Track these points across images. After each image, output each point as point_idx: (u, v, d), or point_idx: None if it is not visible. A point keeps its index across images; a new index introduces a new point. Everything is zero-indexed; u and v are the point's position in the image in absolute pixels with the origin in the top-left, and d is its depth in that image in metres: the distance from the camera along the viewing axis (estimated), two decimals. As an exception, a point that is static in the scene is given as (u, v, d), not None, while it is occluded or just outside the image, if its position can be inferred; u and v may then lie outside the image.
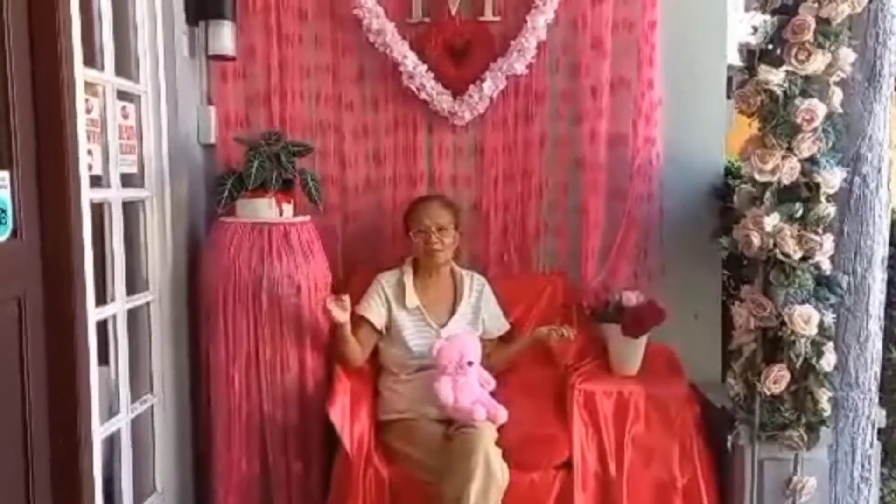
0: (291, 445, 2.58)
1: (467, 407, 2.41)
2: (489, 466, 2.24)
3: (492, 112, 2.96)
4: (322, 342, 2.63)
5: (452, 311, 2.70)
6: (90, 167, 2.09)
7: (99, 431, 2.07)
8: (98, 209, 2.19)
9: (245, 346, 2.54)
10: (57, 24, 1.84)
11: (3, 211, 1.75)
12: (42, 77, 1.84)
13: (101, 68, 2.22)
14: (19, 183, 1.78)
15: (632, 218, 2.92)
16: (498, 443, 2.33)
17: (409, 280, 2.69)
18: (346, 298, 2.53)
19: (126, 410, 2.35)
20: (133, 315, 2.42)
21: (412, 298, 2.66)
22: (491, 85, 2.89)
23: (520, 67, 2.88)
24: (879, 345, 2.56)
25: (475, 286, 2.77)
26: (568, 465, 2.45)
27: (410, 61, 2.88)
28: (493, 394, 2.54)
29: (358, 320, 2.62)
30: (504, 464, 2.29)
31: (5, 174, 1.76)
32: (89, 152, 2.09)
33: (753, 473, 2.42)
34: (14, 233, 1.78)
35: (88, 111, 2.11)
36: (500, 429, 2.40)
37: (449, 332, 2.62)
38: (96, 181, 2.18)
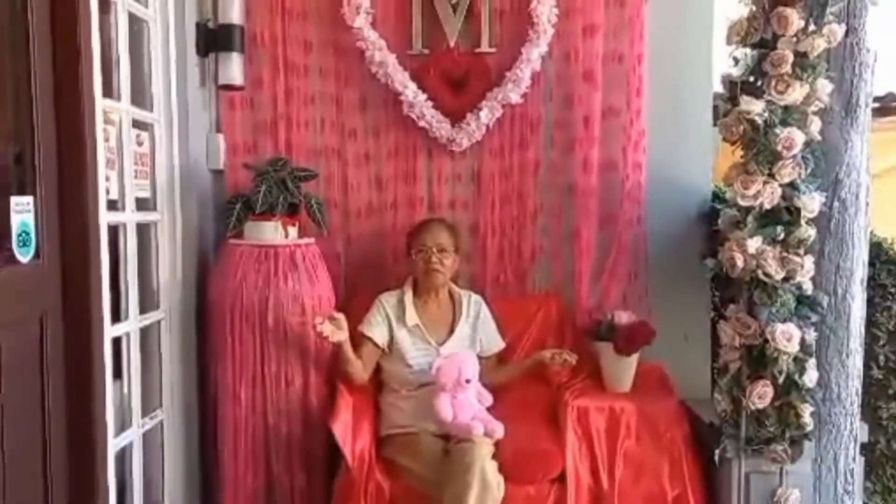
0: (295, 459, 2.67)
1: (465, 422, 2.49)
2: (486, 479, 2.32)
3: (488, 139, 3.07)
4: (325, 360, 2.72)
5: (451, 330, 2.79)
6: (107, 191, 2.20)
7: (113, 444, 2.16)
8: (113, 231, 2.30)
9: (251, 364, 2.63)
10: (80, 60, 1.96)
11: (27, 234, 1.86)
12: (65, 109, 1.96)
13: (118, 98, 2.34)
14: (42, 207, 1.89)
15: (622, 241, 3.02)
16: (494, 457, 2.41)
17: (409, 299, 2.78)
18: (340, 316, 2.59)
19: (137, 425, 2.44)
20: (144, 333, 2.51)
21: (412, 317, 2.75)
22: (487, 113, 3.00)
23: (515, 97, 3.00)
24: (860, 362, 2.65)
25: (473, 306, 2.86)
26: (562, 479, 2.51)
27: (411, 91, 3.00)
28: (490, 410, 2.62)
29: (360, 338, 2.71)
30: (500, 477, 2.37)
31: (29, 199, 1.86)
32: (106, 178, 2.20)
33: (740, 486, 2.50)
34: (36, 254, 1.88)
35: (106, 139, 2.22)
36: (497, 443, 2.47)
37: (448, 351, 2.70)
38: (112, 205, 2.29)
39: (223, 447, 2.67)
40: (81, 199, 1.99)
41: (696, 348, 3.07)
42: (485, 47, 3.04)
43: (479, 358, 2.74)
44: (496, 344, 2.88)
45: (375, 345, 2.73)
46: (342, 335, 2.59)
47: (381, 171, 3.11)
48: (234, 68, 2.89)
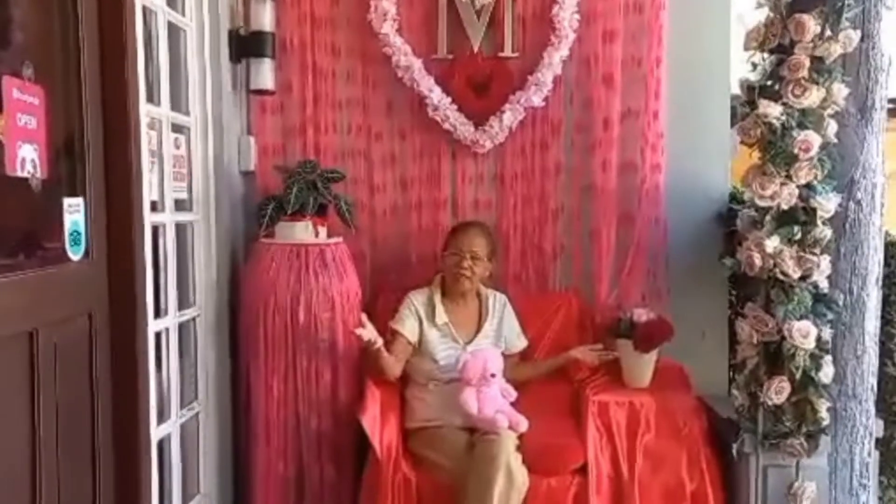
0: (325, 450, 2.76)
1: (490, 416, 2.57)
2: (511, 471, 2.40)
3: (511, 141, 3.15)
4: (353, 355, 2.80)
5: (478, 329, 2.87)
6: (149, 193, 2.29)
7: (155, 433, 2.26)
8: (154, 231, 2.38)
9: (283, 358, 2.73)
10: (126, 67, 2.05)
11: (78, 233, 1.94)
12: (112, 115, 2.04)
13: (159, 104, 2.43)
14: (91, 208, 1.98)
15: (641, 241, 3.10)
16: (519, 449, 2.49)
17: (438, 298, 2.86)
18: (366, 321, 2.67)
19: (175, 416, 2.53)
20: (182, 328, 2.61)
21: (441, 315, 2.83)
22: (510, 116, 3.08)
23: (537, 100, 3.08)
24: (875, 359, 2.70)
25: (498, 305, 2.94)
26: (583, 471, 2.59)
27: (435, 94, 3.08)
28: (514, 404, 2.70)
29: (393, 334, 2.80)
30: (524, 469, 2.46)
31: (80, 200, 1.95)
32: (148, 180, 2.29)
33: (757, 479, 2.56)
34: (86, 253, 1.97)
35: (147, 143, 2.31)
36: (521, 437, 2.55)
37: (474, 347, 2.79)
38: (153, 206, 2.38)
39: (256, 439, 2.77)
40: (127, 201, 2.07)
41: (714, 345, 3.13)
42: (508, 52, 3.12)
43: (503, 356, 2.81)
44: (519, 343, 2.96)
45: (407, 341, 2.80)
46: (380, 339, 2.68)
47: (407, 173, 3.20)
48: (265, 74, 2.99)
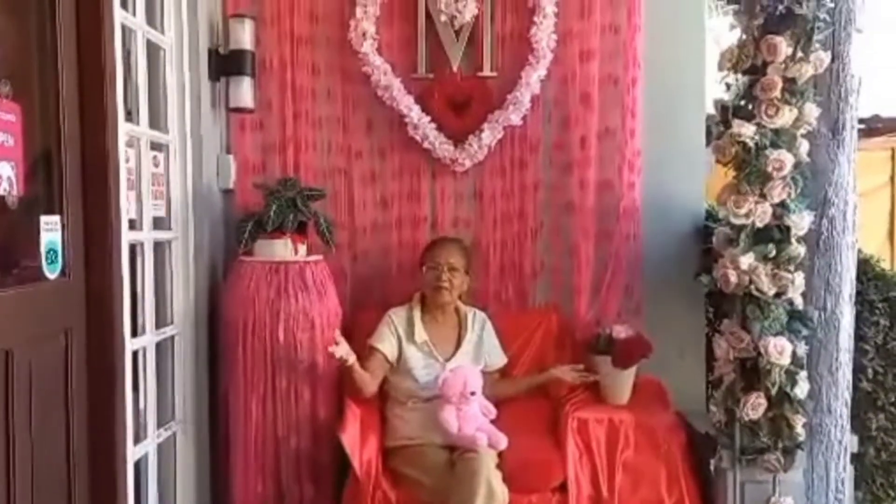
0: (304, 470, 2.74)
1: (470, 434, 2.57)
2: (491, 489, 2.40)
3: (490, 160, 3.17)
4: (333, 374, 2.79)
5: (457, 346, 2.88)
6: (127, 211, 2.29)
7: (132, 453, 2.24)
8: (132, 249, 2.37)
9: (262, 377, 2.71)
10: (105, 86, 2.05)
11: (55, 251, 1.94)
12: (90, 134, 2.05)
13: (137, 122, 2.43)
14: (68, 226, 1.97)
15: (619, 258, 3.12)
16: (499, 467, 2.49)
17: (417, 316, 2.87)
18: (342, 339, 2.67)
19: (153, 436, 2.51)
20: (159, 347, 2.59)
21: (420, 334, 2.84)
22: (489, 135, 3.11)
23: (515, 119, 3.11)
24: (850, 375, 2.75)
25: (477, 322, 2.95)
26: (563, 488, 2.60)
27: (415, 113, 3.10)
28: (493, 422, 2.70)
29: (371, 351, 2.80)
30: (504, 486, 2.45)
31: (57, 218, 1.94)
32: (126, 198, 2.28)
33: (735, 494, 2.58)
34: (63, 271, 1.96)
35: (126, 160, 2.30)
36: (501, 454, 2.55)
37: (453, 366, 2.78)
38: (131, 224, 2.37)
39: (234, 458, 2.74)
40: (105, 219, 2.07)
41: (692, 362, 3.15)
42: (486, 71, 3.15)
43: (483, 373, 2.81)
44: (499, 360, 2.97)
45: (385, 358, 2.80)
46: (353, 356, 2.68)
47: (386, 191, 3.21)
48: (244, 92, 2.99)
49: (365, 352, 2.78)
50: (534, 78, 3.08)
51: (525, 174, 3.18)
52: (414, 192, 3.21)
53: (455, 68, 3.14)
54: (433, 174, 3.21)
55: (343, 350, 2.64)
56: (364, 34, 3.06)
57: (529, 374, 3.03)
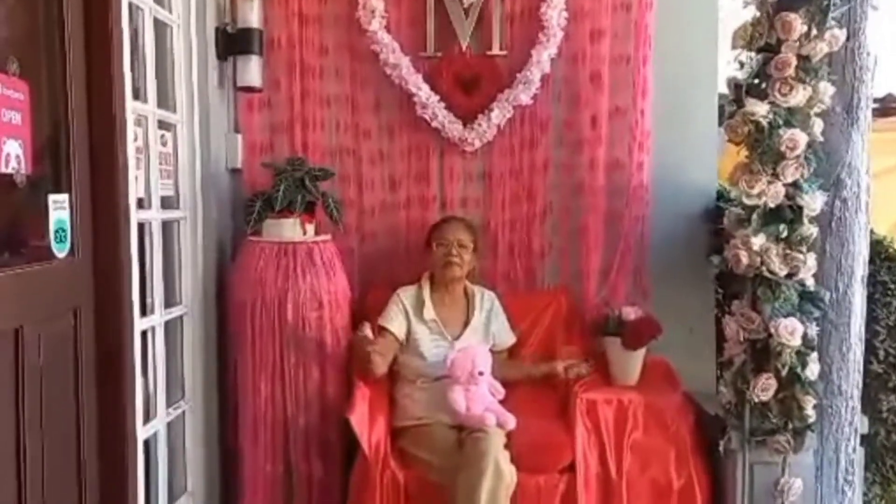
0: (313, 449, 2.75)
1: (479, 414, 2.57)
2: (499, 469, 2.40)
3: (499, 139, 3.15)
4: (341, 353, 2.80)
5: (466, 325, 2.88)
6: (135, 190, 2.28)
7: (141, 433, 2.25)
8: (140, 229, 2.36)
9: (270, 356, 2.72)
10: (112, 64, 2.04)
11: (63, 230, 1.93)
12: (97, 112, 2.03)
13: (145, 101, 2.42)
14: (77, 205, 1.97)
15: (629, 238, 3.11)
16: (507, 447, 2.49)
17: (426, 294, 2.87)
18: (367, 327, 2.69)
19: (162, 415, 2.52)
20: (168, 327, 2.59)
21: (430, 312, 2.84)
22: (498, 114, 3.09)
23: (525, 98, 3.08)
24: (861, 356, 2.73)
25: (486, 301, 2.95)
26: (572, 469, 2.59)
27: (424, 92, 3.08)
28: (502, 402, 2.70)
29: (380, 331, 2.80)
30: (512, 467, 2.45)
31: (65, 197, 1.94)
32: (134, 177, 2.28)
33: (744, 476, 2.57)
34: (71, 250, 1.95)
35: (134, 139, 2.29)
36: (509, 434, 2.55)
37: (462, 344, 2.79)
38: (140, 203, 2.36)
39: (243, 437, 2.76)
40: (114, 198, 2.07)
41: (701, 343, 3.14)
42: (496, 50, 3.12)
43: (493, 352, 2.82)
44: (508, 338, 2.97)
45: (395, 338, 2.81)
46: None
47: (395, 171, 3.19)
48: (252, 71, 2.97)
49: (375, 330, 2.78)
50: (544, 56, 3.05)
51: (534, 154, 3.16)
52: (422, 171, 3.19)
53: (464, 47, 3.11)
54: (442, 154, 3.19)
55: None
56: (373, 12, 3.04)
57: (538, 356, 3.02)
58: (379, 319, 2.82)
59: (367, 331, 2.68)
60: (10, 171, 1.69)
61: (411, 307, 2.85)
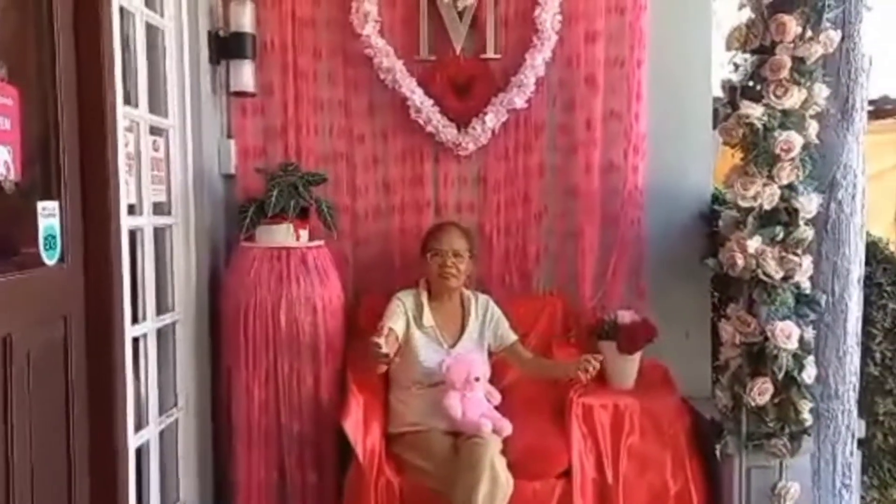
0: (307, 456, 2.73)
1: (474, 420, 2.55)
2: (495, 475, 2.38)
3: (494, 143, 3.13)
4: (335, 359, 2.78)
5: (462, 331, 2.85)
6: (126, 196, 2.26)
7: (133, 441, 2.23)
8: (132, 235, 2.35)
9: (264, 363, 2.69)
10: (103, 69, 2.02)
11: (53, 237, 1.91)
12: (88, 116, 2.01)
13: (137, 105, 2.40)
14: (67, 212, 1.94)
15: (624, 242, 3.10)
16: (503, 453, 2.48)
17: (425, 301, 2.83)
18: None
19: (154, 423, 2.49)
20: (160, 334, 2.57)
21: (428, 318, 2.81)
22: (493, 118, 3.07)
23: (519, 102, 3.07)
24: (857, 360, 2.73)
25: (481, 306, 2.92)
26: (568, 474, 2.59)
27: (418, 96, 3.06)
28: (498, 408, 2.68)
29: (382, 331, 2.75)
30: (508, 473, 2.43)
31: (55, 204, 1.92)
32: (126, 183, 2.26)
33: (741, 480, 2.56)
34: (61, 257, 1.93)
35: (125, 145, 2.27)
36: (505, 440, 2.53)
37: (458, 350, 2.77)
38: (131, 209, 2.34)
39: (237, 444, 2.73)
40: (104, 204, 2.05)
41: (697, 346, 3.14)
42: (490, 53, 3.11)
43: (500, 352, 2.83)
44: (509, 337, 2.91)
45: (397, 337, 2.73)
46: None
47: (389, 175, 3.17)
48: (245, 75, 2.96)
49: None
50: (538, 60, 3.04)
51: (529, 158, 3.15)
52: (417, 176, 3.17)
53: (458, 50, 3.09)
54: (436, 158, 3.17)
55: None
56: (366, 16, 3.02)
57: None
58: (383, 321, 2.72)
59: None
60: (-2, 177, 1.67)
61: (412, 312, 2.82)
